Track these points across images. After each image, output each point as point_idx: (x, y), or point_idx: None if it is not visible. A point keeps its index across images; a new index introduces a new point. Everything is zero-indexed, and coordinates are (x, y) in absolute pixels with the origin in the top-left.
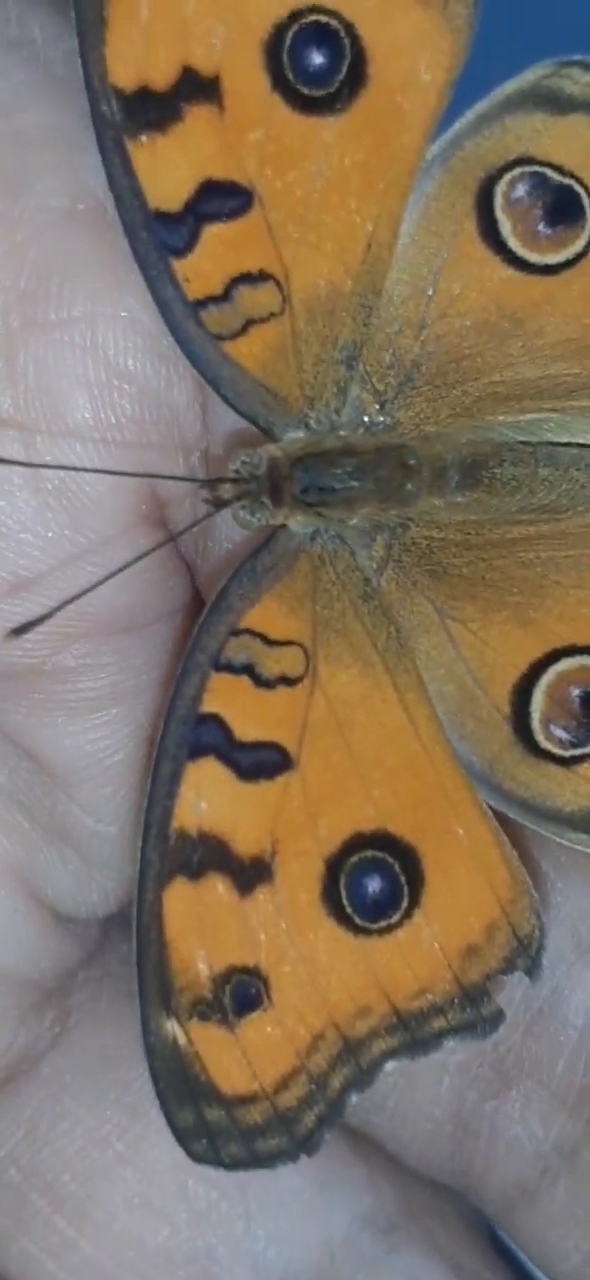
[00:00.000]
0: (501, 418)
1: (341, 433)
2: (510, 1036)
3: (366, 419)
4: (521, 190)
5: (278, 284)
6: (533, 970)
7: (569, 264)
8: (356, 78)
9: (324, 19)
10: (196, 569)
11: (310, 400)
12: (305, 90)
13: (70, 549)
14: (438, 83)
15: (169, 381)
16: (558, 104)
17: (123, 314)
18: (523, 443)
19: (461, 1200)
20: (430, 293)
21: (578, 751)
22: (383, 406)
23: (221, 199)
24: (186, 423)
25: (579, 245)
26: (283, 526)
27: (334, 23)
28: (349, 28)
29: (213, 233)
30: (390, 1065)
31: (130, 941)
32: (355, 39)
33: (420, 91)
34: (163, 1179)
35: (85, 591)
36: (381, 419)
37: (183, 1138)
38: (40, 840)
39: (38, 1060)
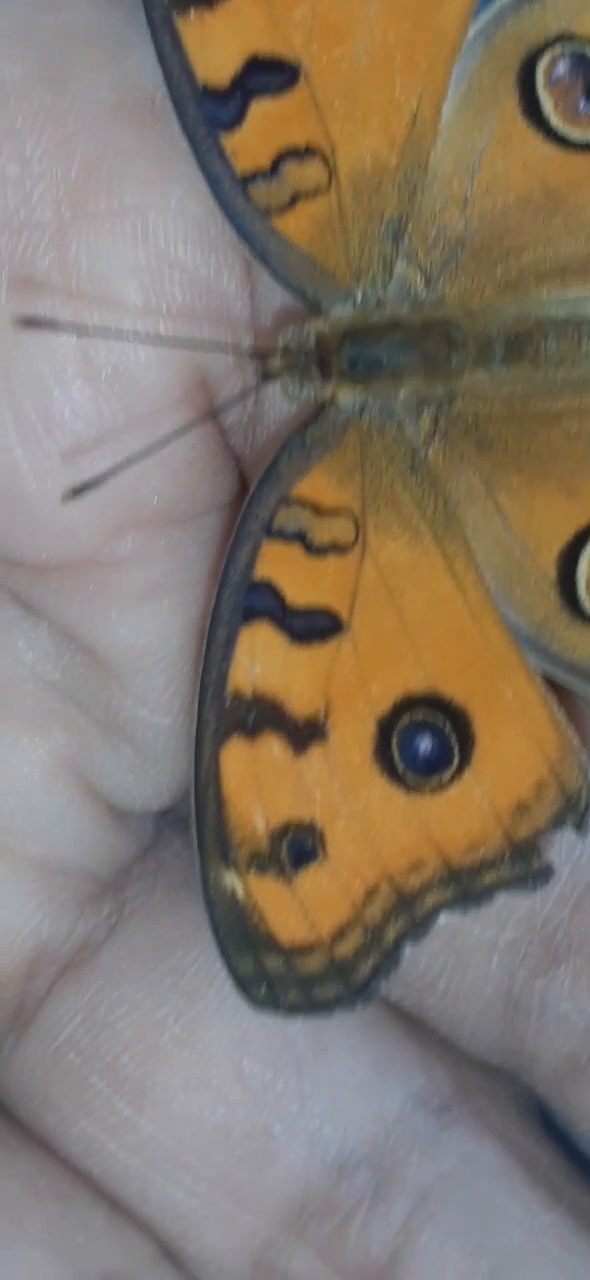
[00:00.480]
0: (545, 293)
1: (388, 308)
2: (559, 913)
3: (412, 294)
4: (562, 68)
5: (324, 159)
6: (582, 826)
7: None
8: None
9: None
10: (245, 462)
11: (357, 275)
12: None
13: (123, 435)
14: None
15: (218, 269)
16: None
17: (172, 203)
18: (570, 317)
19: (514, 1082)
20: (474, 169)
21: None
22: (428, 282)
23: (268, 74)
24: (235, 309)
25: None
26: (331, 401)
27: None
28: None
29: (260, 108)
30: (444, 917)
31: (184, 836)
32: None
33: None
34: (219, 1060)
35: (138, 457)
36: (427, 294)
37: (243, 985)
38: (95, 734)
39: (96, 949)
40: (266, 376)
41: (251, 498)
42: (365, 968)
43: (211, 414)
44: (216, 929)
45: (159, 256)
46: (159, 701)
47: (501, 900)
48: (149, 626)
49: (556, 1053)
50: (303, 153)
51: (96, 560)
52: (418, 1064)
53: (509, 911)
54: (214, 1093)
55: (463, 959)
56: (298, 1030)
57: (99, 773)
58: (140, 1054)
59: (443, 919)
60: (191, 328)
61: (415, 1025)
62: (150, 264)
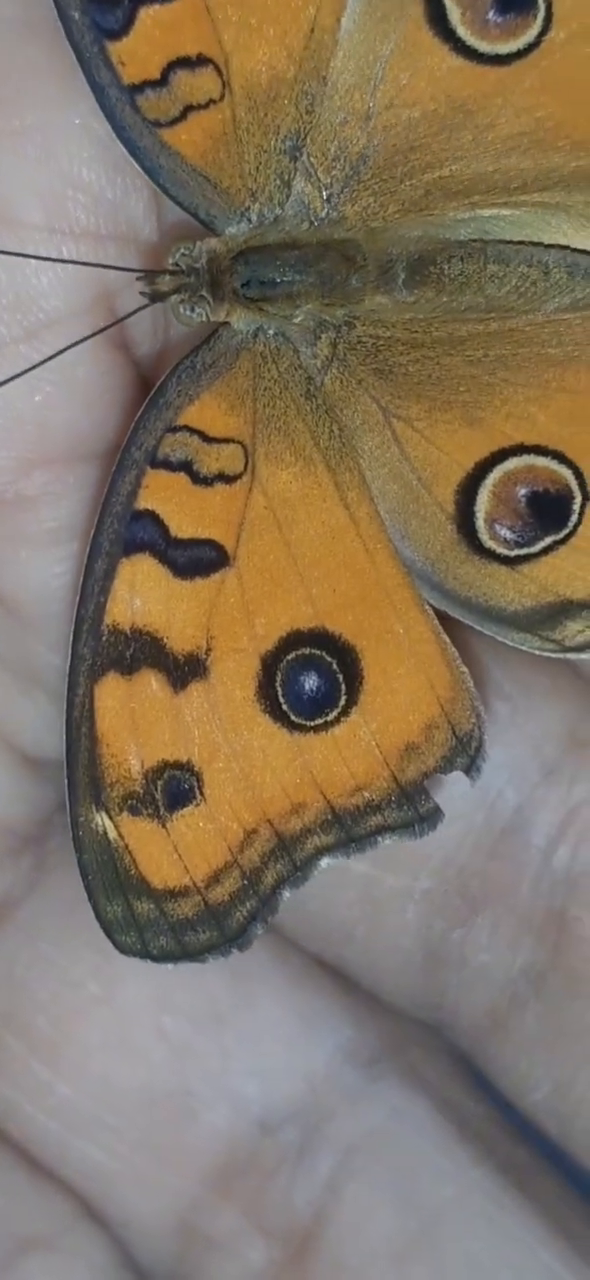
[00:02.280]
0: (451, 213)
1: (285, 227)
2: (475, 860)
3: (311, 212)
4: None
5: (217, 69)
6: (471, 769)
7: (520, 54)
8: None
9: None
10: None
11: (253, 193)
12: None
13: (22, 349)
14: None
15: (125, 191)
16: None
17: (77, 122)
18: (475, 239)
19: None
20: (376, 82)
21: (522, 551)
22: (328, 200)
23: None
24: (143, 232)
25: (531, 35)
26: (225, 324)
27: None
28: None
29: (149, 14)
30: (325, 862)
31: None
32: None
33: None
34: (138, 1018)
35: (43, 362)
36: (327, 213)
37: (111, 930)
38: (10, 684)
39: (15, 906)
40: (155, 297)
41: (136, 424)
42: (241, 914)
43: (106, 328)
44: (85, 871)
45: (62, 178)
46: None
47: (389, 844)
48: (60, 570)
49: (477, 1006)
50: (194, 62)
51: (3, 500)
52: (346, 1017)
53: (423, 859)
54: (133, 1052)
55: (378, 909)
56: (221, 986)
57: (15, 723)
58: (57, 1014)
59: (324, 864)
60: (96, 250)
61: (345, 979)
62: (53, 186)
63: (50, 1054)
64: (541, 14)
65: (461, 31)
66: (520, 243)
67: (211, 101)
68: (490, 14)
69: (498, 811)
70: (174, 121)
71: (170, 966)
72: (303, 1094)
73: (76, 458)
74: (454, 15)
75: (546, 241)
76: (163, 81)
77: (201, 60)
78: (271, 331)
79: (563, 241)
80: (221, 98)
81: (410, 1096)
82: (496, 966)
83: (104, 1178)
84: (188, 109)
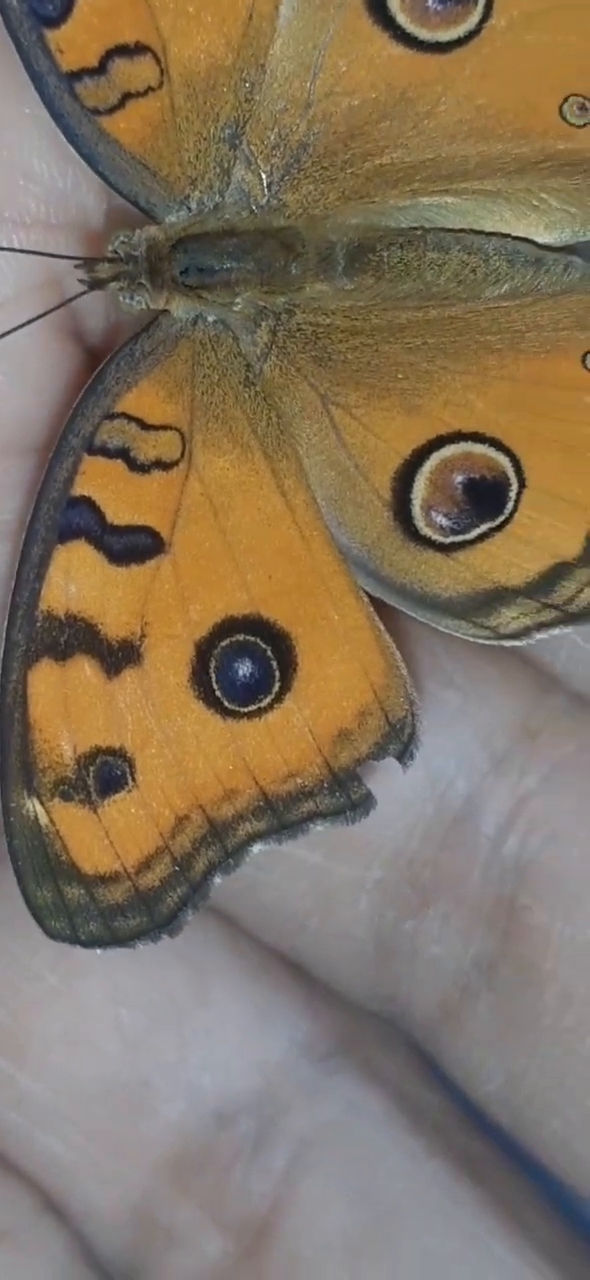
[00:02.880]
0: (392, 201)
1: (226, 214)
2: (425, 851)
3: (252, 200)
4: None
5: (155, 56)
6: (404, 755)
7: (461, 42)
8: None
9: None
10: None
11: (192, 181)
12: None
13: None
14: None
15: (76, 182)
16: None
17: (26, 111)
18: (415, 227)
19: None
20: (316, 69)
21: (457, 538)
22: (269, 188)
23: None
24: (95, 221)
25: (471, 23)
26: (164, 311)
27: None
28: None
29: (87, 2)
30: (257, 848)
31: None
32: None
33: None
34: (96, 1011)
35: None
36: (268, 200)
37: (41, 916)
38: None
39: None
40: (94, 284)
41: (74, 411)
42: (171, 900)
43: (48, 312)
44: (15, 857)
45: (12, 167)
46: None
47: (320, 830)
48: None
49: (429, 998)
50: (132, 49)
51: None
52: (303, 1011)
53: (375, 849)
54: (91, 1044)
55: (331, 899)
56: (178, 978)
57: None
58: (16, 1007)
59: (256, 849)
60: (47, 239)
61: (302, 972)
62: (3, 176)
63: (9, 1045)
64: (482, 1)
65: (401, 19)
66: (461, 230)
67: (150, 89)
68: (430, 1)
69: (448, 801)
70: (113, 109)
71: (99, 952)
72: (258, 1087)
73: (28, 448)
74: (394, 3)
75: (487, 229)
76: (101, 69)
77: (139, 48)
78: (211, 319)
79: (503, 229)
80: (160, 85)
81: (365, 1090)
82: (448, 957)
83: (63, 1170)
84: (126, 96)
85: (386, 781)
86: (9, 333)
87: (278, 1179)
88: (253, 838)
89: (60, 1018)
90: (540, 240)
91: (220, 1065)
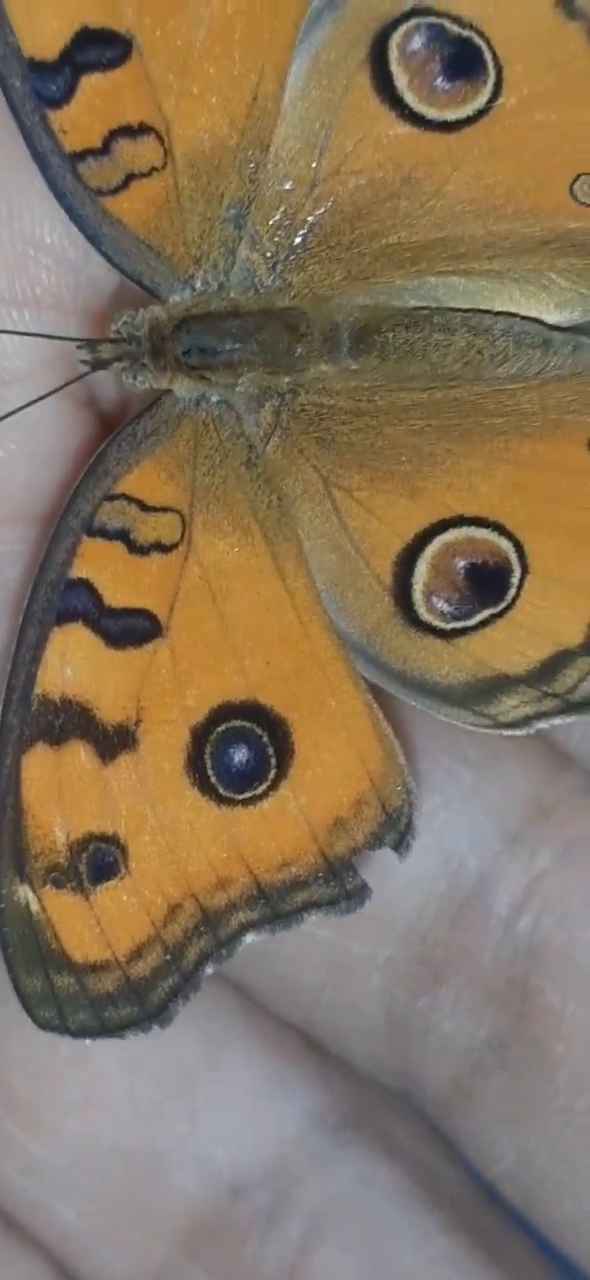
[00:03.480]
0: (399, 281)
1: (230, 294)
2: (437, 929)
3: (257, 281)
4: (418, 42)
5: (159, 137)
6: (401, 845)
7: (470, 121)
8: None
9: None
10: None
11: (197, 260)
12: None
13: None
14: None
15: (87, 252)
16: None
17: (39, 184)
18: (421, 307)
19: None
20: (321, 149)
21: (458, 625)
22: (274, 268)
23: (99, 48)
24: (106, 292)
25: (480, 101)
26: (168, 391)
27: None
28: None
29: (90, 83)
30: (250, 938)
31: None
32: None
33: None
34: (110, 1081)
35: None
36: (273, 280)
37: (30, 1005)
38: None
39: None
40: (96, 365)
41: (75, 491)
42: (162, 990)
43: (56, 390)
44: (6, 944)
45: (24, 239)
46: None
47: (314, 920)
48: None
49: (441, 1076)
50: (136, 130)
51: None
52: (316, 1081)
53: (387, 926)
54: (106, 1114)
55: (343, 975)
56: (192, 1048)
57: None
58: (31, 1075)
59: (249, 939)
60: (59, 309)
61: (316, 1042)
62: (15, 247)
63: (25, 1114)
64: (491, 80)
65: (409, 98)
66: (468, 310)
67: (154, 169)
68: (438, 80)
69: (460, 880)
70: (116, 190)
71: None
72: (272, 1159)
73: (38, 517)
74: (401, 82)
75: (496, 309)
76: (104, 150)
77: (143, 129)
78: (214, 399)
79: (512, 309)
80: (164, 166)
81: (378, 1162)
82: (459, 1035)
83: (76, 1238)
84: (130, 177)
85: (400, 858)
86: (17, 410)
87: (292, 1252)
88: (246, 927)
89: (75, 1087)
90: (549, 320)
91: (233, 1136)
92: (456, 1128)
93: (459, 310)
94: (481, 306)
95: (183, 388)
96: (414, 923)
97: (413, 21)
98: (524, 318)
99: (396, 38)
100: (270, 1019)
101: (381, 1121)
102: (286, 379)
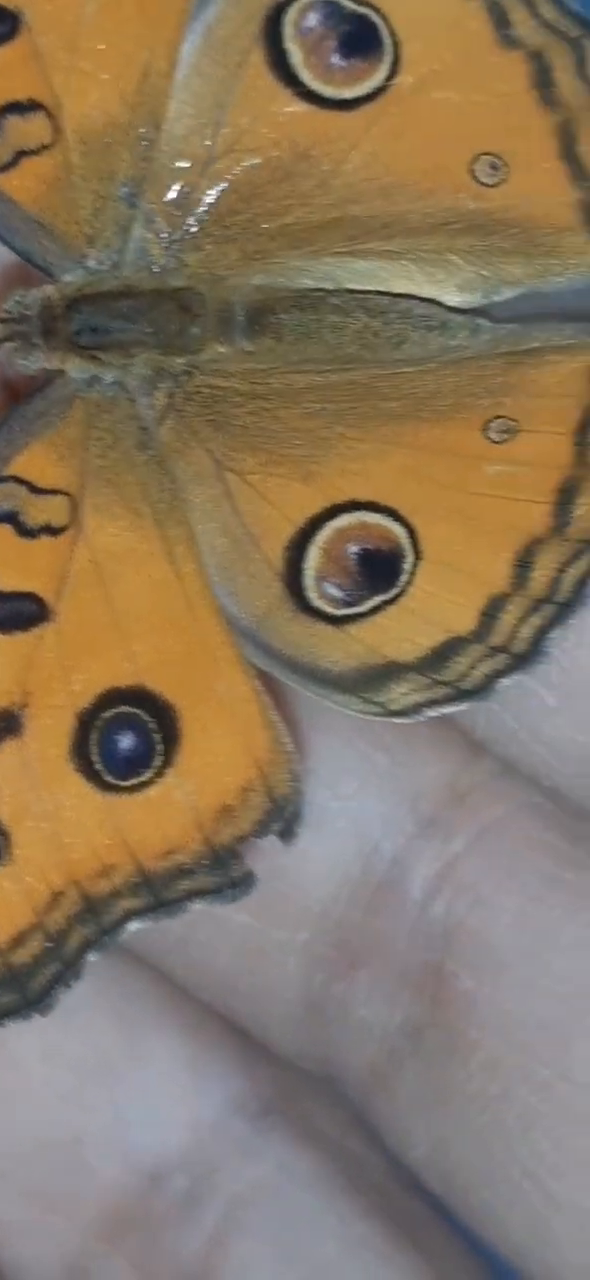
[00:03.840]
0: (296, 261)
1: (125, 273)
2: (352, 913)
3: (152, 260)
4: (313, 19)
5: (49, 114)
6: (287, 834)
7: (367, 99)
8: None
9: None
10: None
11: (90, 239)
12: None
13: None
14: None
15: None
16: None
17: None
18: (317, 289)
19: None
20: (216, 127)
21: (349, 611)
22: (169, 247)
23: None
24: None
25: (377, 79)
26: (60, 372)
27: None
28: None
29: None
30: (133, 926)
31: None
32: None
33: None
34: (30, 1069)
35: None
36: (168, 260)
37: None
38: None
39: None
40: None
41: None
42: (43, 977)
43: None
44: None
45: None
46: None
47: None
48: None
49: (359, 1061)
50: (25, 106)
51: None
52: (239, 1067)
53: (302, 911)
54: (24, 1102)
55: (258, 959)
56: (112, 1034)
57: None
58: None
59: (133, 927)
60: None
61: (238, 1027)
62: None
63: None
64: (389, 58)
65: (304, 76)
66: (365, 292)
67: (44, 147)
68: (334, 58)
69: (374, 864)
70: (6, 167)
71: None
72: (191, 1145)
73: None
74: (296, 59)
75: (395, 290)
76: None
77: (32, 105)
78: (108, 380)
79: (411, 290)
80: (54, 143)
81: (300, 1149)
82: (376, 1021)
83: None
84: (20, 154)
85: (313, 842)
86: None
87: (209, 1238)
88: (129, 915)
89: None
90: (449, 302)
91: (153, 1122)
92: (375, 1114)
93: (355, 291)
94: (379, 288)
95: (75, 368)
96: (329, 907)
97: None
98: (423, 299)
99: (291, 14)
100: (191, 1004)
101: (304, 1107)
102: (181, 360)
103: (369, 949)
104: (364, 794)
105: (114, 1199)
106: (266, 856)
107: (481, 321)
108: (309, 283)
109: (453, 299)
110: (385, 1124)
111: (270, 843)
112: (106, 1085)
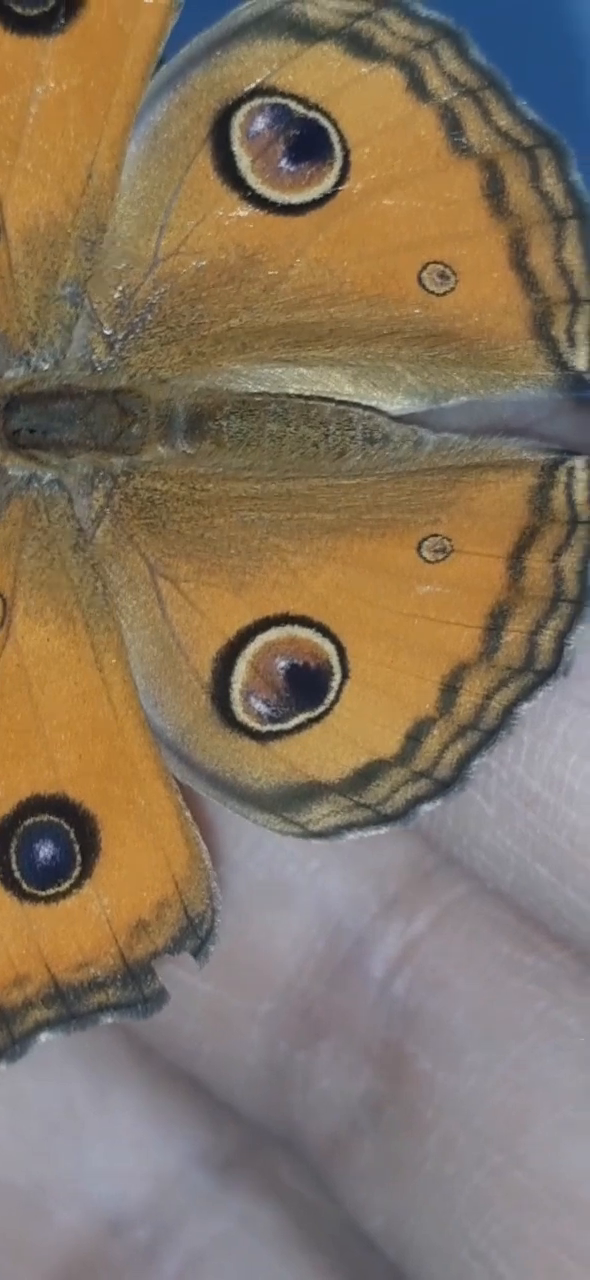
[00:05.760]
0: (239, 366)
1: (67, 371)
2: (315, 987)
3: (95, 358)
4: (261, 123)
5: None
6: (200, 952)
7: (316, 204)
8: None
9: None
10: None
11: (32, 336)
12: (19, 9)
13: None
14: (162, 3)
15: None
16: (301, 31)
17: None
18: (258, 394)
19: None
20: (161, 228)
21: (274, 727)
22: (112, 346)
23: None
24: None
25: (326, 185)
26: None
27: None
28: None
29: None
30: (44, 1037)
31: None
32: None
33: (143, 12)
34: None
35: None
36: (111, 359)
37: None
38: None
39: None
40: None
41: None
42: None
43: None
44: None
45: None
46: None
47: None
48: None
49: (320, 1129)
50: None
51: None
52: (203, 1120)
53: (266, 982)
54: None
55: (223, 1026)
56: (79, 1084)
57: None
58: None
59: (44, 1038)
60: None
61: (203, 1085)
62: None
63: None
64: (338, 164)
65: (252, 180)
66: (310, 398)
67: None
68: (282, 162)
69: (338, 941)
70: None
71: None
72: (154, 1196)
73: None
74: (244, 163)
75: (337, 398)
76: None
77: None
78: (46, 479)
79: (355, 399)
80: None
81: (261, 1203)
82: (337, 1093)
83: None
84: None
85: (279, 916)
86: None
87: None
88: (41, 1026)
89: None
90: (392, 410)
91: (117, 1173)
92: (334, 1180)
93: (297, 397)
94: (322, 393)
95: (14, 466)
96: (293, 980)
97: (256, 101)
98: (365, 407)
99: (239, 117)
100: (158, 1059)
101: (268, 1160)
102: (121, 460)
103: (331, 1022)
104: (330, 869)
105: (74, 1247)
106: (231, 928)
107: (424, 434)
108: (251, 387)
109: (395, 408)
110: (344, 1192)
111: (236, 913)
112: (72, 1134)
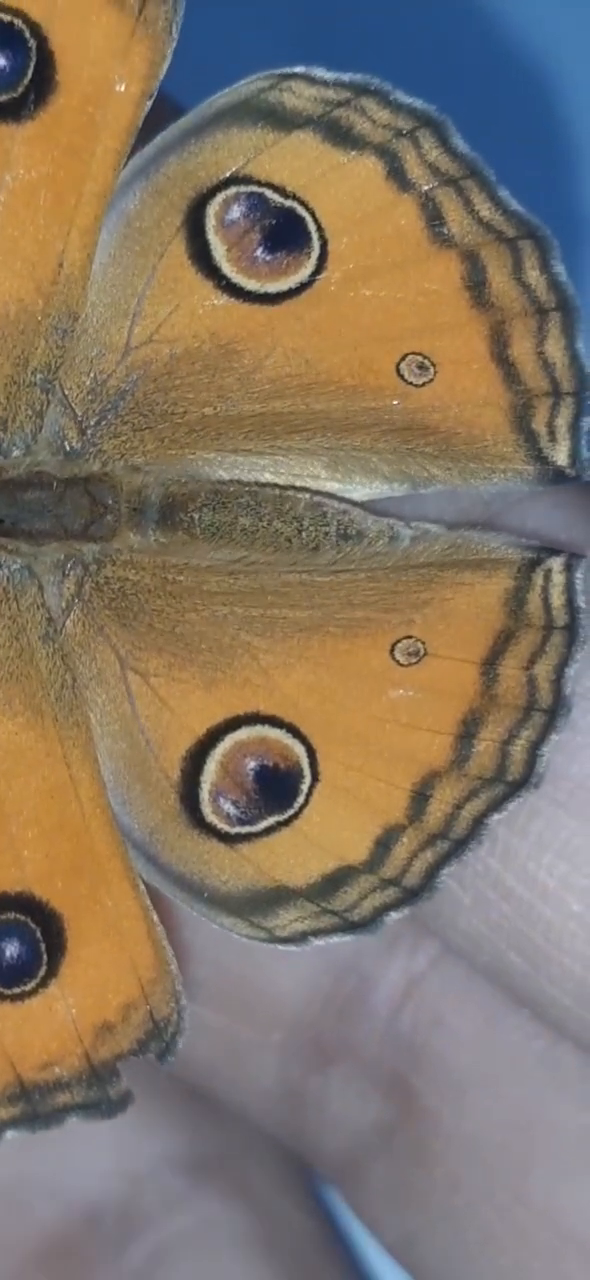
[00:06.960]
0: (212, 454)
1: (38, 458)
2: (324, 1018)
3: (66, 445)
4: (237, 212)
5: None
6: (165, 1055)
7: (292, 293)
8: (44, 84)
9: (7, 18)
10: None
11: (3, 422)
12: None
13: None
14: (134, 93)
15: None
16: (278, 119)
17: None
18: (232, 482)
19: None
20: (134, 316)
21: (242, 829)
22: (84, 433)
23: None
24: None
25: (303, 275)
26: None
27: (18, 23)
28: (35, 29)
29: None
30: (9, 1135)
31: None
32: (42, 42)
33: (114, 101)
34: None
35: None
36: (82, 446)
37: None
38: None
39: None
40: None
41: None
42: None
43: None
44: None
45: None
46: None
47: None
48: None
49: (334, 1150)
50: None
51: None
52: (181, 1120)
53: (275, 1017)
54: None
55: (236, 1054)
56: None
57: None
58: None
59: (8, 1136)
60: None
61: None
62: None
63: None
64: (315, 253)
65: (226, 269)
66: (280, 488)
67: None
68: (258, 251)
69: (344, 978)
70: None
71: None
72: (127, 1193)
73: None
74: (218, 252)
75: (311, 488)
76: None
77: None
78: (16, 566)
79: (328, 490)
80: None
81: (228, 1206)
82: (349, 1116)
83: None
84: None
85: (283, 957)
86: None
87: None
88: (4, 1124)
89: None
90: (369, 496)
91: (89, 1170)
92: (349, 1197)
93: (271, 486)
94: (295, 484)
95: None
96: (302, 1013)
97: (232, 190)
98: (341, 500)
99: (214, 206)
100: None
101: (241, 1164)
102: (92, 548)
103: (341, 1050)
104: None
105: (50, 1236)
106: (239, 967)
107: (400, 529)
108: (224, 474)
109: (374, 493)
110: (358, 1209)
111: (242, 952)
112: (55, 1135)
